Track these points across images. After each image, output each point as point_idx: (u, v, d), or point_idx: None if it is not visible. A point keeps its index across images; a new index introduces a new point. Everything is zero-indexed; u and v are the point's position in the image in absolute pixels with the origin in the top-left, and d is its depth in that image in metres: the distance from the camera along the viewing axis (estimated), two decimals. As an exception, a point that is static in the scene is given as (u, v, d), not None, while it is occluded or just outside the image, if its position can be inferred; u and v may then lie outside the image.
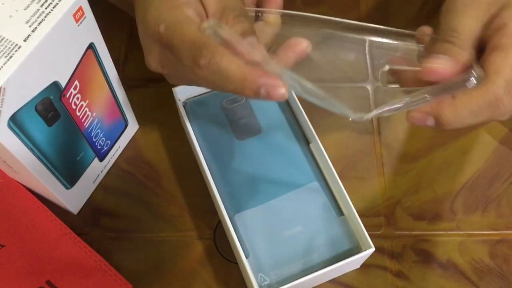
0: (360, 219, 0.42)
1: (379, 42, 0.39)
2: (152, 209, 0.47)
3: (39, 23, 0.34)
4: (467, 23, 0.36)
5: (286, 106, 0.48)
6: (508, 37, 0.35)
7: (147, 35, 0.37)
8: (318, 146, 0.45)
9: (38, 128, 0.38)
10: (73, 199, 0.46)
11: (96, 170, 0.47)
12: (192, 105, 0.48)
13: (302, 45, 0.35)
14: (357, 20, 0.56)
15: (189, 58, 0.34)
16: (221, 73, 0.33)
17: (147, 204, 0.47)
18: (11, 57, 0.33)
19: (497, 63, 0.34)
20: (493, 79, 0.34)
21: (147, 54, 0.38)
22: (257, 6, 0.41)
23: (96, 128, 0.44)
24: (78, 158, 0.44)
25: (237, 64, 0.32)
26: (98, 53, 0.40)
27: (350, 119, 0.34)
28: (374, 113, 0.35)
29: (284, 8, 0.57)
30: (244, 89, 0.33)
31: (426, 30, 0.39)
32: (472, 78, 0.34)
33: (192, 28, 0.34)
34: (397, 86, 0.38)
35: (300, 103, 0.47)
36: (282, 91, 0.32)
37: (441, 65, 0.35)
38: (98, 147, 0.46)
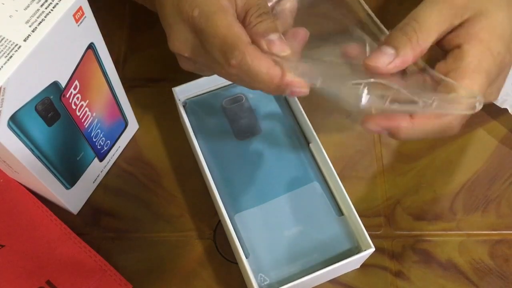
0: (360, 219, 0.42)
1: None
2: (152, 209, 0.47)
3: (39, 23, 0.34)
4: (432, 17, 0.35)
5: (286, 106, 0.48)
6: (469, 62, 0.34)
7: (178, 14, 0.36)
8: (318, 146, 0.45)
9: (38, 128, 0.38)
10: (73, 199, 0.46)
11: (96, 170, 0.47)
12: (192, 105, 0.48)
13: (301, 33, 0.37)
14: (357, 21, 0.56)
15: (220, 55, 0.34)
16: (250, 73, 0.34)
17: (147, 204, 0.47)
18: (11, 57, 0.33)
19: (458, 92, 0.34)
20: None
21: (172, 33, 0.38)
22: None
23: (96, 128, 0.44)
24: (78, 158, 0.44)
25: (267, 66, 0.34)
26: (98, 53, 0.40)
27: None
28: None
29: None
30: (270, 89, 0.34)
31: None
32: (434, 102, 0.33)
33: (225, 21, 0.34)
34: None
35: (300, 103, 0.47)
36: (304, 90, 0.34)
37: (383, 64, 0.34)
38: (98, 147, 0.46)
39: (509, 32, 0.36)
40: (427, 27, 0.35)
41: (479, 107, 0.33)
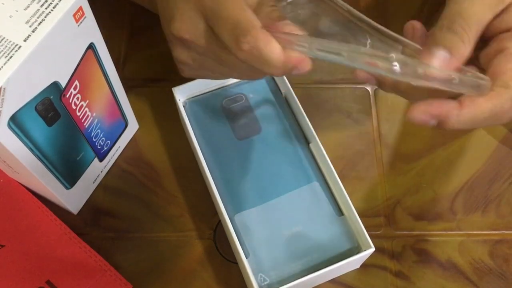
0: (360, 219, 0.42)
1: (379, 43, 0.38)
2: (152, 209, 0.47)
3: (39, 23, 0.34)
4: (476, 10, 0.33)
5: (286, 106, 0.48)
6: None
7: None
8: (318, 146, 0.45)
9: (38, 128, 0.38)
10: (73, 199, 0.46)
11: (96, 170, 0.47)
12: (192, 105, 0.48)
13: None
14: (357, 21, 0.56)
15: (232, 39, 0.34)
16: (261, 57, 0.33)
17: (147, 204, 0.47)
18: (11, 57, 0.33)
19: (507, 74, 0.32)
20: (501, 93, 0.32)
21: (178, 17, 0.37)
22: None
23: (96, 128, 0.44)
24: (78, 158, 0.44)
25: (278, 51, 0.33)
26: (98, 53, 0.40)
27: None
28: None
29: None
30: (279, 72, 0.34)
31: (416, 25, 0.37)
32: (483, 84, 0.32)
33: (237, 5, 0.34)
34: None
35: (300, 103, 0.47)
36: (308, 68, 0.34)
37: (437, 70, 0.32)
38: (98, 147, 0.46)
39: None
40: (475, 21, 0.33)
41: None
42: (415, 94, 0.35)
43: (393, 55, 0.31)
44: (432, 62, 0.32)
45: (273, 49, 0.33)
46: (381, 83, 0.36)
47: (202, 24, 0.36)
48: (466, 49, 0.33)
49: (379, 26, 0.36)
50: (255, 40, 0.33)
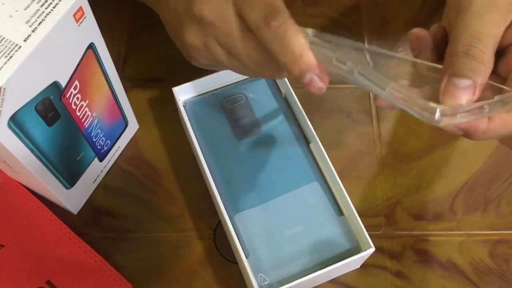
0: (360, 219, 0.42)
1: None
2: (152, 209, 0.47)
3: (39, 23, 0.34)
4: (489, 28, 0.32)
5: (286, 106, 0.48)
6: None
7: None
8: (318, 146, 0.45)
9: (38, 128, 0.38)
10: (73, 199, 0.46)
11: (96, 170, 0.47)
12: (192, 105, 0.48)
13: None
14: (357, 20, 0.56)
15: (261, 15, 0.34)
16: (284, 40, 0.33)
17: (147, 204, 0.47)
18: (11, 57, 0.33)
19: None
20: None
21: None
22: None
23: (96, 128, 0.44)
24: (78, 158, 0.44)
25: (301, 41, 0.33)
26: (98, 53, 0.40)
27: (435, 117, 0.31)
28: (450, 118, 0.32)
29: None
30: (294, 66, 0.34)
31: (419, 33, 0.36)
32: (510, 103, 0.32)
33: None
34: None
35: (300, 103, 0.47)
36: (322, 85, 0.34)
37: (465, 100, 0.32)
38: (98, 147, 0.46)
39: None
40: (490, 40, 0.32)
41: None
42: None
43: (433, 105, 0.31)
44: (459, 94, 0.32)
45: (298, 38, 0.33)
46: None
47: (229, 7, 0.36)
48: (488, 70, 0.32)
49: (384, 51, 0.36)
50: (284, 22, 0.33)
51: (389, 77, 0.33)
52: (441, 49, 0.36)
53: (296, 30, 0.34)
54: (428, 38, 0.36)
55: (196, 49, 0.39)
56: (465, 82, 0.31)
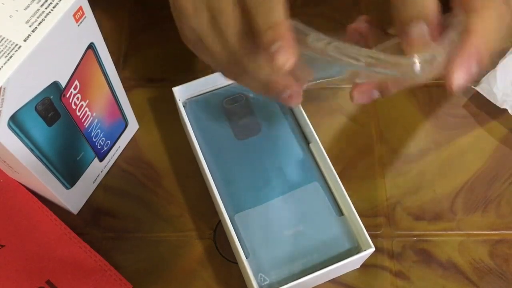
0: (360, 219, 0.42)
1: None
2: (152, 209, 0.47)
3: (39, 23, 0.34)
4: None
5: (286, 106, 0.48)
6: None
7: None
8: (318, 146, 0.45)
9: (38, 128, 0.38)
10: (73, 199, 0.46)
11: (96, 170, 0.47)
12: (192, 105, 0.48)
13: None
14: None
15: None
16: (266, 4, 0.33)
17: (147, 204, 0.47)
18: (11, 57, 0.33)
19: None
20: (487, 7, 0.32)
21: None
22: None
23: (96, 128, 0.44)
24: (78, 158, 0.44)
25: (282, 12, 0.33)
26: (98, 53, 0.40)
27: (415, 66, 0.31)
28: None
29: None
30: (267, 30, 0.33)
31: (358, 24, 0.37)
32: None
33: None
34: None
35: (300, 103, 0.47)
36: (287, 58, 0.32)
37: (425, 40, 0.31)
38: (98, 147, 0.46)
39: None
40: None
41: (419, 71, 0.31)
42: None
43: (409, 58, 0.31)
44: (414, 42, 0.32)
45: (280, 8, 0.33)
46: (384, 90, 0.36)
47: None
48: (434, 4, 0.32)
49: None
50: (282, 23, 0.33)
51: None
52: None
53: (281, 2, 0.33)
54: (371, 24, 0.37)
55: (185, 10, 0.38)
56: (417, 26, 0.32)
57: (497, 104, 0.49)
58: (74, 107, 0.40)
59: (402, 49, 0.33)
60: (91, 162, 0.46)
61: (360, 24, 0.37)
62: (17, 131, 0.36)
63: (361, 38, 0.37)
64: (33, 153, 0.38)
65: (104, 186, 0.48)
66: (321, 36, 0.34)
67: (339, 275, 0.45)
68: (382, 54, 0.32)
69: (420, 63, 0.31)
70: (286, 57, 0.33)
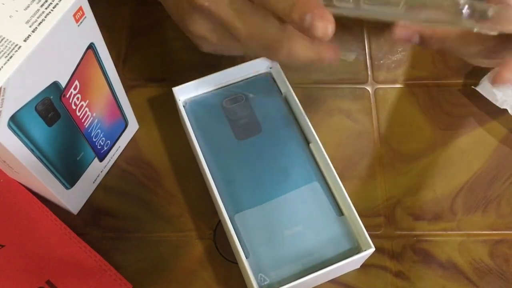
0: (360, 219, 0.42)
1: None
2: (152, 209, 0.47)
3: (39, 23, 0.34)
4: None
5: (286, 106, 0.48)
6: None
7: None
8: (318, 146, 0.45)
9: (38, 128, 0.38)
10: (73, 199, 0.46)
11: (96, 170, 0.47)
12: (192, 105, 0.48)
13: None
14: (357, 21, 0.56)
15: None
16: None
17: (147, 204, 0.47)
18: (11, 57, 0.33)
19: None
20: None
21: None
22: None
23: (96, 128, 0.44)
24: (78, 158, 0.44)
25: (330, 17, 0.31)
26: (98, 53, 0.40)
27: None
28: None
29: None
30: (292, 9, 0.32)
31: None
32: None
33: None
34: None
35: (300, 103, 0.47)
36: (327, 26, 0.31)
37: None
38: (98, 147, 0.46)
39: None
40: None
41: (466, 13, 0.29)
42: (468, 45, 0.33)
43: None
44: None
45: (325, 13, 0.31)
46: (426, 39, 0.34)
47: None
48: None
49: None
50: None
51: None
52: None
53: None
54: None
55: (202, 38, 0.40)
56: None
57: (497, 104, 0.49)
58: (74, 107, 0.40)
59: None
60: (91, 162, 0.46)
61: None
62: (17, 131, 0.36)
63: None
64: (33, 153, 0.38)
65: (104, 186, 0.48)
66: None
67: (339, 275, 0.45)
68: None
69: (468, 6, 0.29)
70: (323, 25, 0.31)
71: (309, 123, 0.46)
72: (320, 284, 0.44)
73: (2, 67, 0.33)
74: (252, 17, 0.36)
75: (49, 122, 0.38)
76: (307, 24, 0.31)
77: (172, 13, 0.42)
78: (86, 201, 0.48)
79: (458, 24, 0.29)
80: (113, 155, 0.49)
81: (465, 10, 0.29)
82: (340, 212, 0.44)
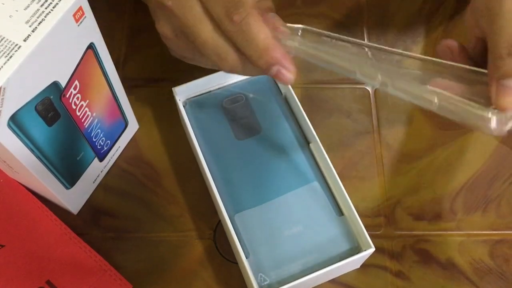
0: (360, 219, 0.42)
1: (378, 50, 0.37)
2: (152, 209, 0.47)
3: (39, 23, 0.34)
4: None
5: (286, 106, 0.48)
6: None
7: None
8: (318, 146, 0.45)
9: (38, 128, 0.38)
10: (73, 199, 0.46)
11: (96, 170, 0.47)
12: (192, 105, 0.48)
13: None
14: (357, 21, 0.56)
15: (223, 10, 0.34)
16: (248, 34, 0.33)
17: (147, 204, 0.47)
18: (11, 57, 0.33)
19: None
20: None
21: None
22: None
23: (96, 128, 0.44)
24: (78, 158, 0.44)
25: (266, 33, 0.34)
26: (98, 53, 0.40)
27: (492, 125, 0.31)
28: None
29: (284, 7, 0.57)
30: (259, 59, 0.34)
31: (450, 43, 0.36)
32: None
33: None
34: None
35: (300, 103, 0.47)
36: (290, 76, 0.34)
37: None
38: (98, 147, 0.46)
39: None
40: None
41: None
42: None
43: (487, 113, 0.31)
44: (510, 93, 0.32)
45: (263, 31, 0.33)
46: None
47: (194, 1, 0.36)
48: None
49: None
50: (247, 15, 0.33)
51: (416, 80, 0.33)
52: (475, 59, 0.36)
53: (260, 23, 0.33)
54: (460, 48, 0.36)
55: (167, 38, 0.40)
56: None
57: (497, 104, 0.49)
58: (74, 107, 0.40)
59: (488, 95, 0.32)
60: (91, 162, 0.46)
61: (451, 43, 0.37)
62: (17, 131, 0.36)
63: (452, 56, 0.36)
64: (33, 153, 0.38)
65: (104, 186, 0.48)
66: (344, 52, 0.34)
67: (339, 275, 0.45)
68: (457, 99, 0.32)
69: (497, 121, 0.31)
70: (287, 77, 0.34)
71: (309, 123, 0.46)
72: (320, 284, 0.44)
73: (2, 67, 0.33)
74: (210, 25, 0.36)
75: (49, 122, 0.38)
76: (274, 72, 0.34)
77: (151, 11, 0.42)
78: (86, 201, 0.48)
79: (482, 129, 0.32)
80: (113, 155, 0.48)
81: (493, 122, 0.31)
82: (340, 212, 0.44)
